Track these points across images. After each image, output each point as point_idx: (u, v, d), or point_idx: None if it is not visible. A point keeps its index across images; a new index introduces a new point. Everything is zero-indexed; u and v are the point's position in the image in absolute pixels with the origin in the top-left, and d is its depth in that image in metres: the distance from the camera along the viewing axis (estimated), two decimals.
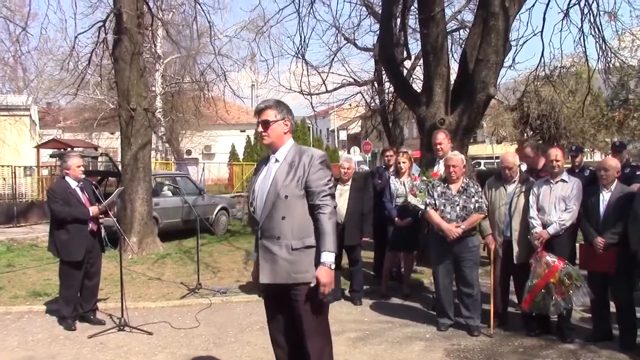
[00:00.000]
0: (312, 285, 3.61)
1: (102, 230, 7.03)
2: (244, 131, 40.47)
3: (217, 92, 19.49)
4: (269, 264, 3.73)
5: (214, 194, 19.03)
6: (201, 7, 13.23)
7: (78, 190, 6.61)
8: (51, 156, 18.60)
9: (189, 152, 37.04)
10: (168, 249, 12.15)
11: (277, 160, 3.80)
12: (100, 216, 6.79)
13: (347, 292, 7.91)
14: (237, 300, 7.92)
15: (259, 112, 3.85)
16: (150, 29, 14.36)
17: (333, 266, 3.63)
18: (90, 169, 17.94)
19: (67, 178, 6.63)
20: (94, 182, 7.15)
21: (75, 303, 6.71)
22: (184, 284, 8.75)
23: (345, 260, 7.90)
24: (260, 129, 3.83)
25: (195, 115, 24.44)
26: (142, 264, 10.55)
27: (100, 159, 20.01)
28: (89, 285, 6.78)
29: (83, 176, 6.77)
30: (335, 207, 3.74)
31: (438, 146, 7.26)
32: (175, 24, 19.95)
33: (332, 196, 3.75)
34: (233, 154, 38.13)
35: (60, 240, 6.53)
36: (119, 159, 13.28)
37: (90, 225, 6.64)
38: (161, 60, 24.86)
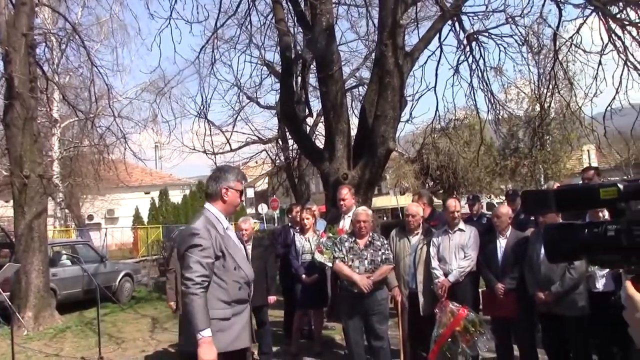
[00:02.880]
0: None
1: None
2: (148, 193, 39.52)
3: (119, 155, 18.97)
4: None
5: (117, 260, 18.32)
6: (99, 70, 12.93)
7: None
8: None
9: (90, 217, 35.60)
10: (67, 321, 11.47)
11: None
12: None
13: (256, 355, 7.71)
14: None
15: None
16: (45, 92, 13.90)
17: None
18: None
19: None
20: None
21: None
22: (84, 359, 8.24)
23: (253, 321, 7.72)
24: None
25: (95, 180, 23.64)
26: (39, 340, 9.87)
27: None
28: None
29: None
30: None
31: (341, 202, 7.32)
32: (72, 87, 19.43)
33: None
34: (137, 217, 37.06)
35: None
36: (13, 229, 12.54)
37: None
38: (58, 124, 24.07)
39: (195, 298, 3.63)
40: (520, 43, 11.55)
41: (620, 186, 1.34)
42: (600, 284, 5.65)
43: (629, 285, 1.30)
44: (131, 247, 31.21)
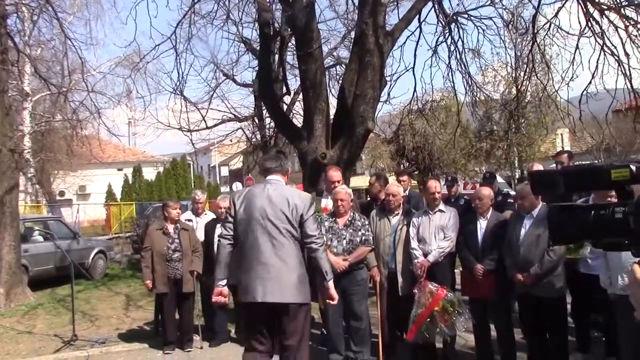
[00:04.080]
0: None
1: None
2: (121, 169, 39.03)
3: (92, 130, 18.64)
4: None
5: (90, 237, 18.11)
6: (72, 43, 12.59)
7: None
8: None
9: (62, 193, 35.06)
10: (40, 298, 11.33)
11: None
12: None
13: (233, 334, 7.70)
14: (117, 350, 7.47)
15: None
16: (16, 65, 13.55)
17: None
18: None
19: None
20: None
21: None
22: (58, 336, 8.13)
23: (231, 300, 7.71)
24: None
25: (68, 155, 23.23)
26: (11, 317, 9.74)
27: None
28: None
29: None
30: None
31: (337, 184, 7.10)
32: (44, 60, 18.96)
33: None
34: (110, 194, 36.60)
35: None
36: None
37: None
38: (29, 98, 23.51)
39: (324, 250, 4.77)
40: (503, 24, 11.54)
41: (633, 167, 1.30)
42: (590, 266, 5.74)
43: (636, 268, 1.27)
44: (103, 224, 30.86)
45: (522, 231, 5.58)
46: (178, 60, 12.48)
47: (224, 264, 4.68)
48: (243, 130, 21.36)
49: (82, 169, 33.07)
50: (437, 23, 11.83)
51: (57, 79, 15.51)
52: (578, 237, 1.49)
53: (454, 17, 11.76)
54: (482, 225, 5.98)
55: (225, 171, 55.58)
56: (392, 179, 9.21)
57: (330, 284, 4.72)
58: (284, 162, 4.86)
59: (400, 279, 6.26)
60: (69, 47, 12.57)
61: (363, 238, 6.19)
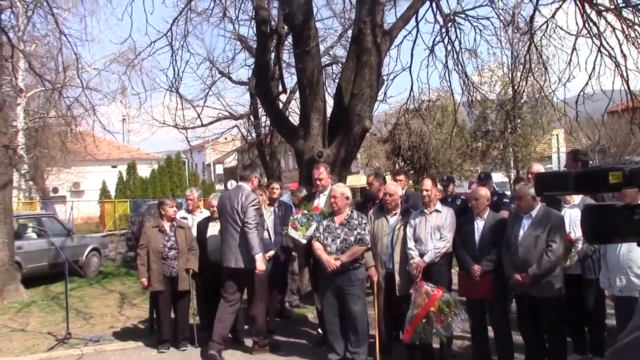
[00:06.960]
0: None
1: None
2: (115, 167, 38.84)
3: (86, 127, 18.48)
4: None
5: (84, 234, 18.00)
6: (67, 39, 12.47)
7: None
8: None
9: (55, 190, 34.86)
10: (33, 295, 11.25)
11: None
12: None
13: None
14: (111, 348, 7.41)
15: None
16: (10, 60, 13.45)
17: None
18: None
19: None
20: None
21: None
22: (51, 334, 8.08)
23: None
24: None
25: (62, 152, 23.09)
26: (4, 314, 9.66)
27: None
28: None
29: None
30: None
31: (318, 181, 7.17)
32: (38, 56, 18.84)
33: None
34: (104, 191, 36.45)
35: None
36: None
37: None
38: (23, 94, 23.39)
39: (254, 232, 6.51)
40: (501, 25, 11.51)
41: (626, 170, 1.31)
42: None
43: None
44: (97, 221, 30.72)
45: (521, 232, 5.56)
46: (174, 58, 12.42)
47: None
48: (238, 128, 21.20)
49: (76, 166, 32.87)
50: (435, 22, 11.79)
51: (52, 75, 15.37)
52: (612, 236, 1.48)
53: (452, 16, 11.73)
54: (479, 225, 5.96)
55: (220, 169, 55.51)
56: (387, 178, 9.20)
57: (257, 257, 6.50)
58: (249, 173, 7.01)
59: (397, 279, 6.24)
60: (63, 43, 12.44)
61: (358, 237, 6.14)
